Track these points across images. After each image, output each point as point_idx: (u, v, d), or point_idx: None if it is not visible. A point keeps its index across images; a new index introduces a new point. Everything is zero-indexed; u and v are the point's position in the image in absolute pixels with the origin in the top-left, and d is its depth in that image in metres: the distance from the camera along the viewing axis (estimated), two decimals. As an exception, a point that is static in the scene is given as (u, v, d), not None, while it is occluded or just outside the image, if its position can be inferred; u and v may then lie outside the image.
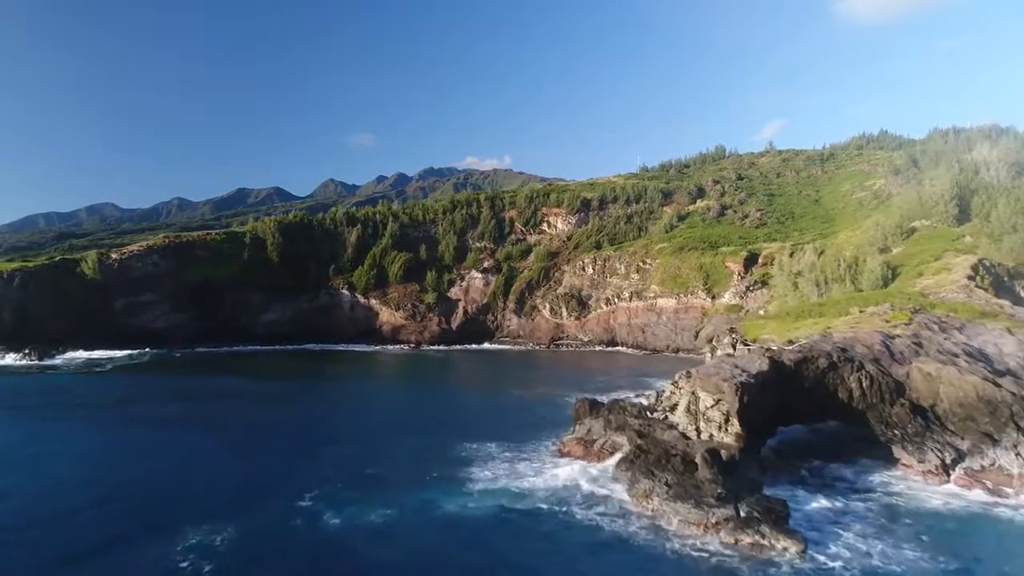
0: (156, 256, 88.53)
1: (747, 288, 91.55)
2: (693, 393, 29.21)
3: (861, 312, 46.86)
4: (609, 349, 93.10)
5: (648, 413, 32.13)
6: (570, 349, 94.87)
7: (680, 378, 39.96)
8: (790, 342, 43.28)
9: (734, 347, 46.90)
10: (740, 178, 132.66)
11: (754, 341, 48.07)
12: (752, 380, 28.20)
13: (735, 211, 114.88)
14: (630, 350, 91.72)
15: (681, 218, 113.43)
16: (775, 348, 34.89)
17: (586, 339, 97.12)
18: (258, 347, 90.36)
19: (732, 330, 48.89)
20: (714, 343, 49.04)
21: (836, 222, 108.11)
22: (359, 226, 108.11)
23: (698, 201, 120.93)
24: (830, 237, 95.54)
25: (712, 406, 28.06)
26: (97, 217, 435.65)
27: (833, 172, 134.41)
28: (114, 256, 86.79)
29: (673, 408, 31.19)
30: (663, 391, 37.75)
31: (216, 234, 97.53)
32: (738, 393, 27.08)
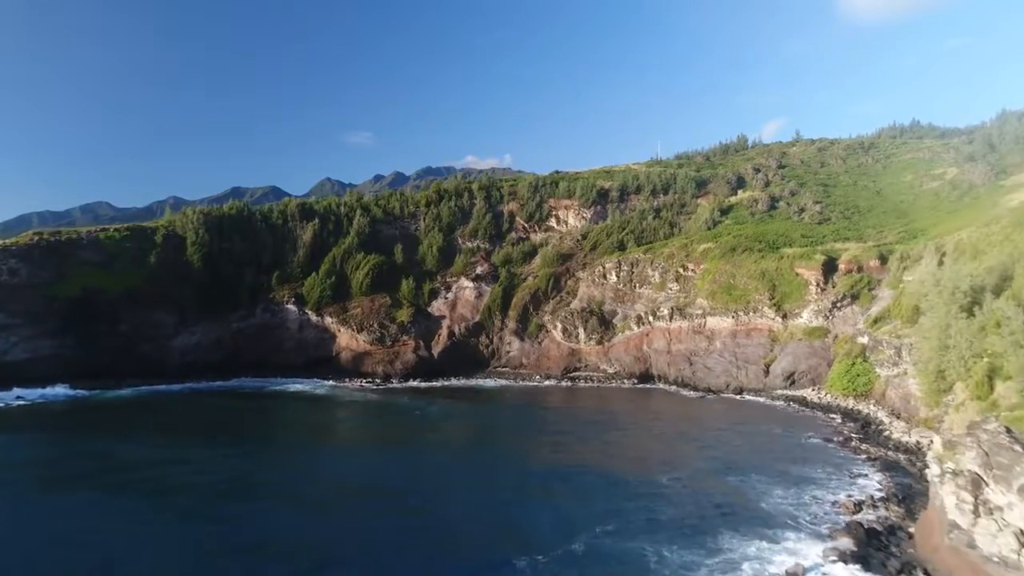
0: (14, 260, 59.18)
1: (832, 304, 63.44)
2: None
3: None
4: (643, 386, 64.76)
5: None
6: (591, 385, 66.49)
7: None
8: None
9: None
10: (782, 167, 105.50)
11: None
12: None
13: (788, 204, 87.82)
14: (673, 388, 63.56)
15: (723, 212, 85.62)
16: None
17: (611, 371, 68.67)
18: (166, 385, 61.40)
19: (1013, 436, 20.88)
20: (978, 472, 20.68)
21: (913, 216, 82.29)
22: (316, 221, 79.09)
23: (740, 192, 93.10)
24: (924, 236, 68.73)
25: None
26: (91, 216, 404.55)
27: (885, 161, 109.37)
28: (-53, 261, 57.75)
29: None
30: None
31: (114, 230, 67.92)
32: None
